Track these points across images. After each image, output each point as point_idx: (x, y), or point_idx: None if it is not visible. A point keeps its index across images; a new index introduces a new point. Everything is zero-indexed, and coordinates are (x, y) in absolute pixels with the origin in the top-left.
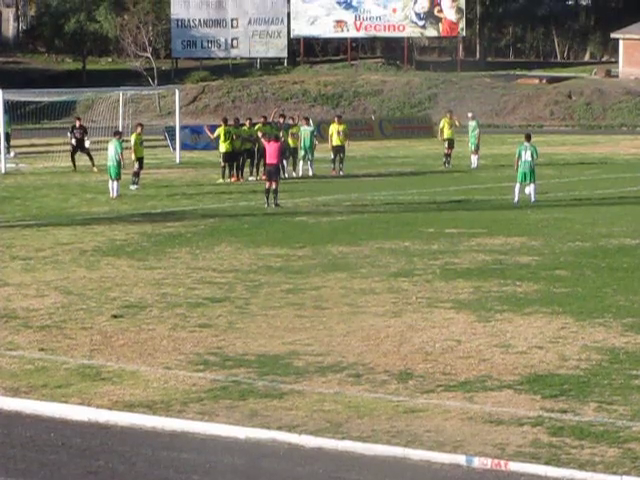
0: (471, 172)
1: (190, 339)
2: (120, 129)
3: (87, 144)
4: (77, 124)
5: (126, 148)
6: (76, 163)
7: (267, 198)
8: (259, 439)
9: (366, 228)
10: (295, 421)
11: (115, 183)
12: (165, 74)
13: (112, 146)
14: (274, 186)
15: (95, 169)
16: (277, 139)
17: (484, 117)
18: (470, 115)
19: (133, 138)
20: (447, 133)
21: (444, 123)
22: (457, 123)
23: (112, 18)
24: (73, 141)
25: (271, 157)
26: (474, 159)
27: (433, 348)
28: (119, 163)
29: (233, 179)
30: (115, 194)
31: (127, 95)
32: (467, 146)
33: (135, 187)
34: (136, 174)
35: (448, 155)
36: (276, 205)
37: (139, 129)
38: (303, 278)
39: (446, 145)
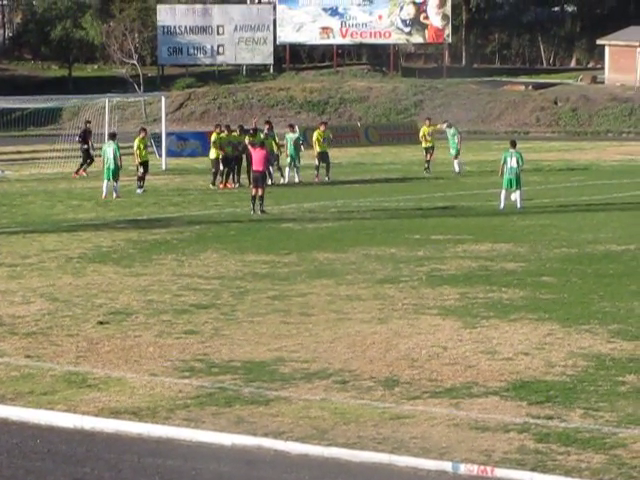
0: (457, 178)
1: (176, 346)
2: (107, 136)
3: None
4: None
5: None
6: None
7: (253, 205)
8: (245, 446)
9: (352, 235)
10: (281, 428)
11: (114, 184)
12: (151, 81)
13: (111, 149)
14: (260, 193)
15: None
16: (263, 146)
17: (470, 123)
18: (445, 125)
19: (136, 143)
20: (425, 142)
21: (423, 131)
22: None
23: (98, 25)
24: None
25: (257, 164)
26: (456, 164)
27: (419, 355)
28: (117, 165)
29: (222, 186)
30: (106, 194)
31: (113, 102)
32: (448, 153)
33: (141, 191)
34: (140, 178)
35: (427, 161)
36: (262, 212)
37: (142, 134)
38: (289, 285)
39: (424, 153)
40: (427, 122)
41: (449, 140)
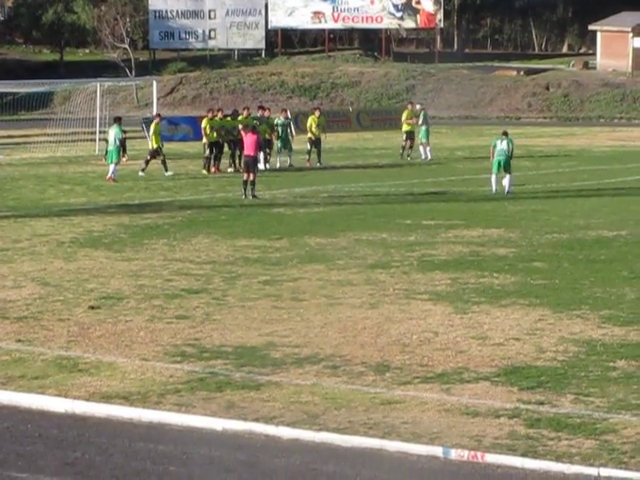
0: (448, 164)
1: (167, 330)
2: (98, 120)
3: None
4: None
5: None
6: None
7: (244, 189)
8: (236, 430)
9: (343, 220)
10: (272, 413)
11: (112, 166)
12: (143, 65)
13: (112, 131)
14: (252, 177)
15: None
16: (254, 131)
17: (462, 109)
18: (419, 107)
19: (152, 127)
20: (405, 127)
21: (405, 115)
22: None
23: (90, 9)
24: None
25: (249, 149)
26: (424, 151)
27: (410, 340)
28: (118, 148)
29: (213, 170)
30: (110, 176)
31: (105, 86)
32: (418, 138)
33: (167, 174)
34: (163, 162)
35: (410, 147)
36: (253, 197)
37: (157, 119)
38: (280, 270)
39: (404, 137)
40: (409, 106)
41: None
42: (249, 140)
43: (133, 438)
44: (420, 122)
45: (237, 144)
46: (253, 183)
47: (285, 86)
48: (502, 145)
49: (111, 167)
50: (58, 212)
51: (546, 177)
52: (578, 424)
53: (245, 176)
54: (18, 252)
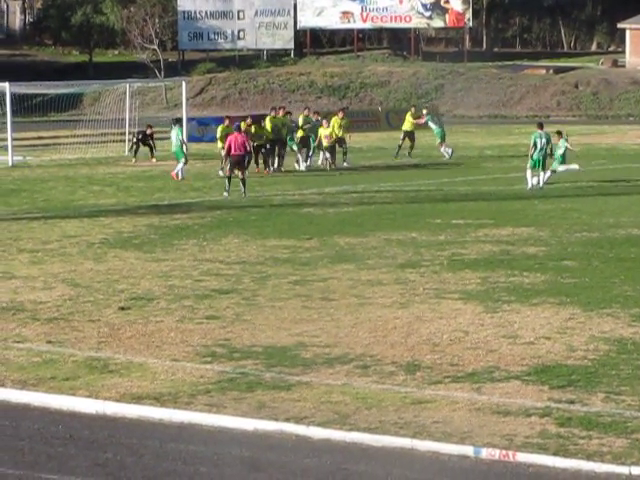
0: (477, 163)
1: (197, 331)
2: (127, 121)
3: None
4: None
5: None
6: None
7: (244, 186)
8: (267, 431)
9: (373, 219)
10: (303, 413)
11: (179, 165)
12: (172, 66)
13: (174, 132)
14: (241, 176)
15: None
16: (241, 132)
17: (491, 107)
18: (425, 112)
19: (219, 130)
20: (406, 126)
21: (407, 116)
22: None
23: (118, 10)
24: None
25: (236, 149)
26: (447, 150)
27: (440, 339)
28: (181, 147)
29: (257, 171)
30: (180, 176)
31: (134, 87)
32: (442, 139)
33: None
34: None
35: (411, 147)
36: (244, 194)
37: (227, 121)
38: (310, 269)
39: (402, 136)
40: (412, 109)
41: (434, 127)
42: (237, 141)
43: (164, 439)
44: (422, 122)
45: (277, 143)
46: (244, 182)
47: (314, 86)
48: (542, 144)
49: (179, 165)
50: (88, 213)
51: (576, 175)
52: (609, 423)
53: (238, 173)
54: (48, 253)
